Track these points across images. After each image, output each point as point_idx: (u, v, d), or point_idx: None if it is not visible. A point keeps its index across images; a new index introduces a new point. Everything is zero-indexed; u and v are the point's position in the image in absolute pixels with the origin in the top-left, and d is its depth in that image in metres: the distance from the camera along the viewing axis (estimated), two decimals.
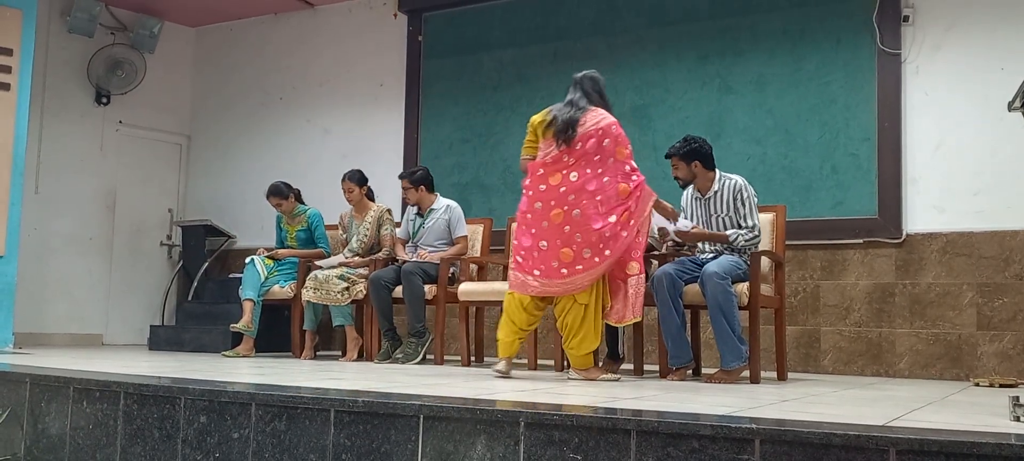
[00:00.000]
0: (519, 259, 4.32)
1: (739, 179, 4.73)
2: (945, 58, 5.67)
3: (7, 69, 6.19)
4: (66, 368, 4.10)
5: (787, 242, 5.11)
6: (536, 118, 4.42)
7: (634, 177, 4.34)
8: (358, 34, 7.76)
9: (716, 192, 4.73)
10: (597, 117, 4.34)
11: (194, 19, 8.42)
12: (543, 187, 4.28)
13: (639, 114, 6.49)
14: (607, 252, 4.19)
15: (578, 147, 4.27)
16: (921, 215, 5.62)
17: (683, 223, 4.70)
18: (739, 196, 4.67)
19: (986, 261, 5.43)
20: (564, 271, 4.20)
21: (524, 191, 4.38)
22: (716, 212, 4.73)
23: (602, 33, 6.71)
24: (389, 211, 6.29)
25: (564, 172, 4.25)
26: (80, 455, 3.46)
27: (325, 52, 7.93)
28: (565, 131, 4.27)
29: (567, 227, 4.20)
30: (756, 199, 4.74)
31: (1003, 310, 5.35)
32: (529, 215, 4.30)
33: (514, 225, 4.47)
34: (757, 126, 6.11)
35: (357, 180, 6.21)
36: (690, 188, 4.83)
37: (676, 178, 4.79)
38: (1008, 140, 5.34)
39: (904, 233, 5.63)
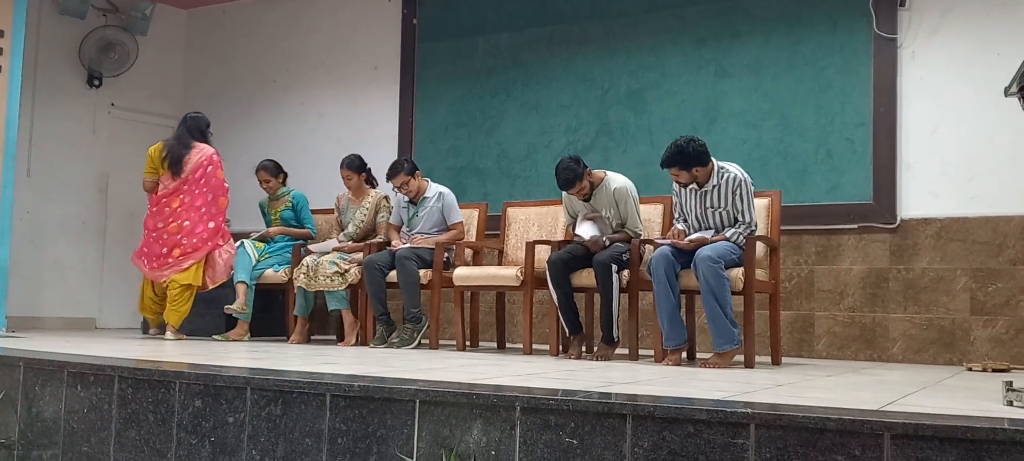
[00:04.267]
0: (147, 260, 6.04)
1: (738, 172, 4.67)
2: (941, 43, 5.66)
3: None
4: (60, 352, 4.08)
5: (782, 227, 5.11)
6: (153, 151, 6.02)
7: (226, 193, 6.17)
8: (352, 17, 7.71)
9: (716, 186, 4.67)
10: (200, 151, 6.00)
11: (186, 1, 8.36)
12: (167, 210, 5.94)
13: (635, 98, 6.48)
14: (210, 244, 6.00)
15: (187, 176, 5.92)
16: (916, 200, 5.63)
17: (679, 230, 4.68)
18: (739, 191, 4.64)
19: (980, 246, 5.44)
20: (170, 260, 5.92)
21: (150, 208, 6.05)
22: (713, 205, 4.69)
23: (598, 17, 6.69)
24: (387, 198, 6.27)
25: (181, 196, 5.93)
26: (74, 439, 3.45)
27: (319, 35, 7.89)
28: (176, 165, 5.92)
29: (180, 235, 5.91)
30: (753, 189, 4.73)
31: (996, 295, 5.37)
32: (153, 233, 5.97)
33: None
34: (753, 110, 6.10)
35: (355, 167, 6.19)
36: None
37: (678, 182, 4.74)
38: (1004, 126, 5.34)
39: (899, 218, 5.64)
